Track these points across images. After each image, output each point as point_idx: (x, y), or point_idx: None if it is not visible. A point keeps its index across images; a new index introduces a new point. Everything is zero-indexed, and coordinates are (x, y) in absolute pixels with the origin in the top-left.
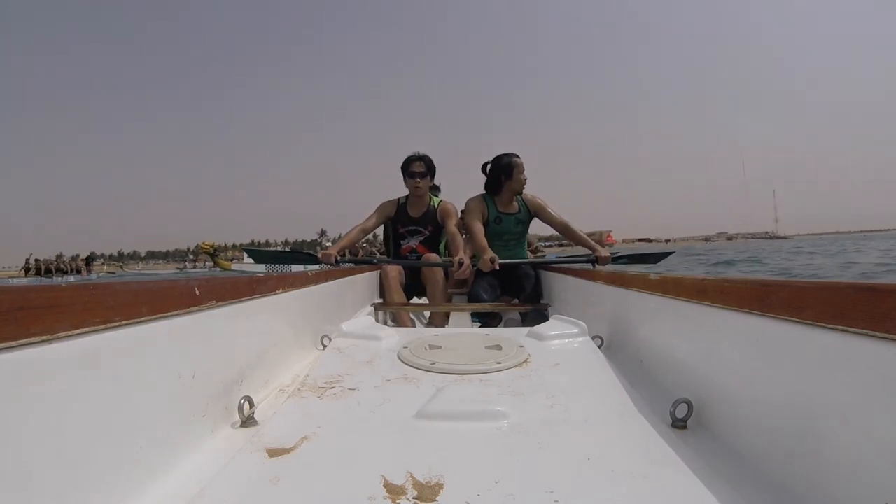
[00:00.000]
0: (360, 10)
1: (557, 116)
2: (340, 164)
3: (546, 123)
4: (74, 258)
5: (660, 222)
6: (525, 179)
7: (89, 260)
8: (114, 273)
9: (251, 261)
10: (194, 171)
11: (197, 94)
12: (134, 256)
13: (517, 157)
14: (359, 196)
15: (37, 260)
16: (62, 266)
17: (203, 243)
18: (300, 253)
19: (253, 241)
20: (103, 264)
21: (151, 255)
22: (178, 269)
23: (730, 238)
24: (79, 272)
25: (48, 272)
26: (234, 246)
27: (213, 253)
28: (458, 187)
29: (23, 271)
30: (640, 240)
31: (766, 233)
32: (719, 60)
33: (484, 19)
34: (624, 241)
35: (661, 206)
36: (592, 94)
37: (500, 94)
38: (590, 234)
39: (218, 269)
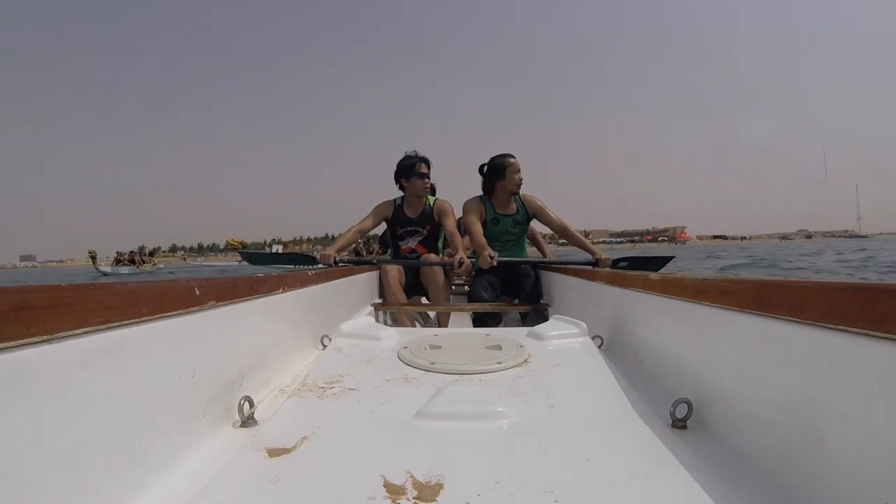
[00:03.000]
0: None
1: (632, 112)
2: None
3: (624, 120)
4: (154, 251)
5: (737, 219)
6: (520, 179)
7: (152, 253)
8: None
9: None
10: (276, 170)
11: (282, 94)
12: (213, 248)
13: (511, 157)
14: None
15: (130, 252)
16: (142, 258)
17: (232, 240)
18: (298, 255)
19: (327, 236)
20: (156, 258)
21: (230, 248)
22: (238, 261)
23: (808, 236)
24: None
25: (133, 262)
26: (269, 241)
27: (241, 249)
28: (540, 184)
29: (114, 262)
30: (716, 237)
31: (846, 231)
32: (809, 54)
33: (562, 21)
34: (699, 237)
35: (740, 201)
36: (670, 89)
37: (576, 92)
38: (663, 231)
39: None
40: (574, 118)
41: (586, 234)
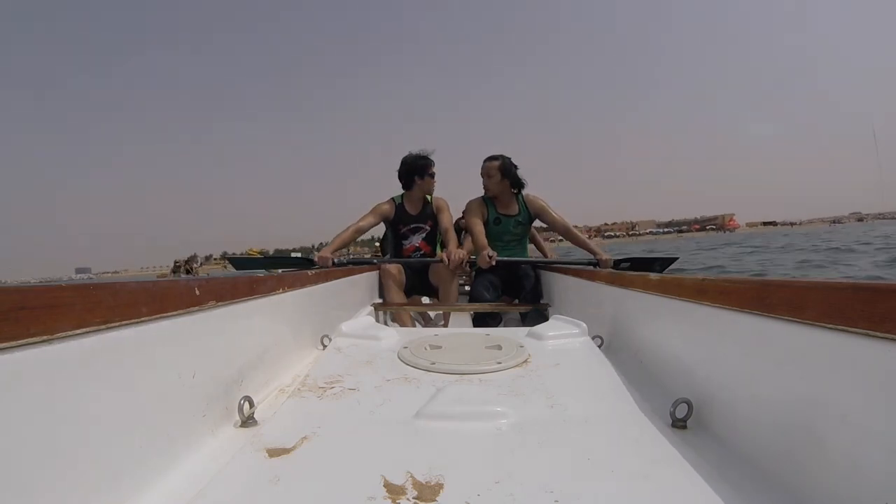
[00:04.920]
0: (476, 15)
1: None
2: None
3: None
4: (208, 258)
5: (789, 203)
6: (484, 183)
7: (190, 261)
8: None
9: None
10: (329, 178)
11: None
12: (262, 254)
13: (489, 159)
14: (449, 190)
15: (186, 260)
16: (195, 267)
17: (251, 249)
18: (294, 258)
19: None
20: (201, 265)
21: (278, 253)
22: (266, 271)
23: (860, 219)
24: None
25: (189, 271)
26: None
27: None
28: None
29: (172, 270)
30: (766, 223)
31: None
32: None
33: (611, 23)
34: (748, 224)
35: (790, 186)
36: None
37: (630, 89)
38: (711, 219)
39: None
40: (628, 109)
41: (633, 226)
